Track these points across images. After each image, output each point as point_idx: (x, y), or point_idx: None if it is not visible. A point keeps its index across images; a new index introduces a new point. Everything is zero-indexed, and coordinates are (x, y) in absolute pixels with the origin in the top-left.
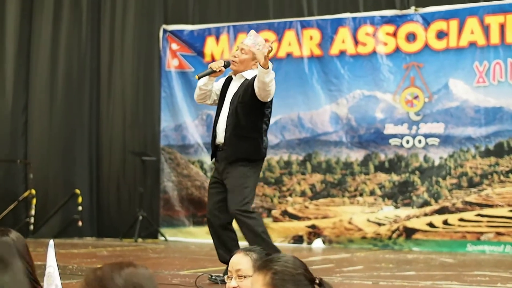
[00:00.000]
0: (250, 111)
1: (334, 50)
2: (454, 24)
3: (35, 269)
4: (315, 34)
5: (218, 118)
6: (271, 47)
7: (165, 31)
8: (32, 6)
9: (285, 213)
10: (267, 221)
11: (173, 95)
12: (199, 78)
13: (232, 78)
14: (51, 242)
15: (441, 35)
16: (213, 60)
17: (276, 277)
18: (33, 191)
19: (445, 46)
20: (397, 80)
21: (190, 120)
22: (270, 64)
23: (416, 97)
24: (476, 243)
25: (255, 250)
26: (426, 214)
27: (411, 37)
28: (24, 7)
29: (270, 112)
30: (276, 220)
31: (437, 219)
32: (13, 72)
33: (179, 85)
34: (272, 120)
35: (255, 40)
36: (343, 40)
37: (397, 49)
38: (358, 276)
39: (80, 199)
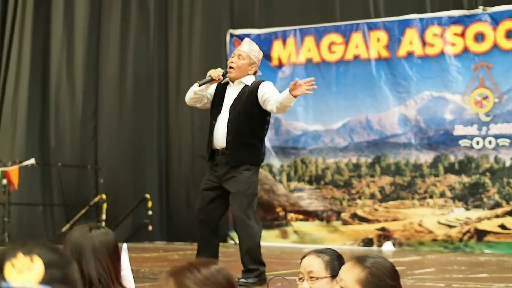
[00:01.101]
0: (253, 118)
1: (402, 51)
2: None
3: (112, 271)
4: (382, 36)
5: (216, 122)
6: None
7: (232, 35)
8: (100, 12)
9: (354, 216)
10: (336, 224)
11: None
12: (200, 85)
13: (228, 83)
14: (125, 245)
15: (510, 34)
16: (280, 63)
17: (370, 278)
18: (104, 196)
19: None
20: (466, 81)
21: None
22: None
23: (485, 98)
24: None
25: (327, 252)
26: (497, 216)
27: (479, 37)
28: (93, 13)
29: (270, 119)
30: (345, 223)
31: (509, 221)
32: (83, 77)
33: None
34: (340, 123)
35: (251, 47)
36: (410, 42)
37: (466, 50)
38: (430, 278)
39: (150, 204)
